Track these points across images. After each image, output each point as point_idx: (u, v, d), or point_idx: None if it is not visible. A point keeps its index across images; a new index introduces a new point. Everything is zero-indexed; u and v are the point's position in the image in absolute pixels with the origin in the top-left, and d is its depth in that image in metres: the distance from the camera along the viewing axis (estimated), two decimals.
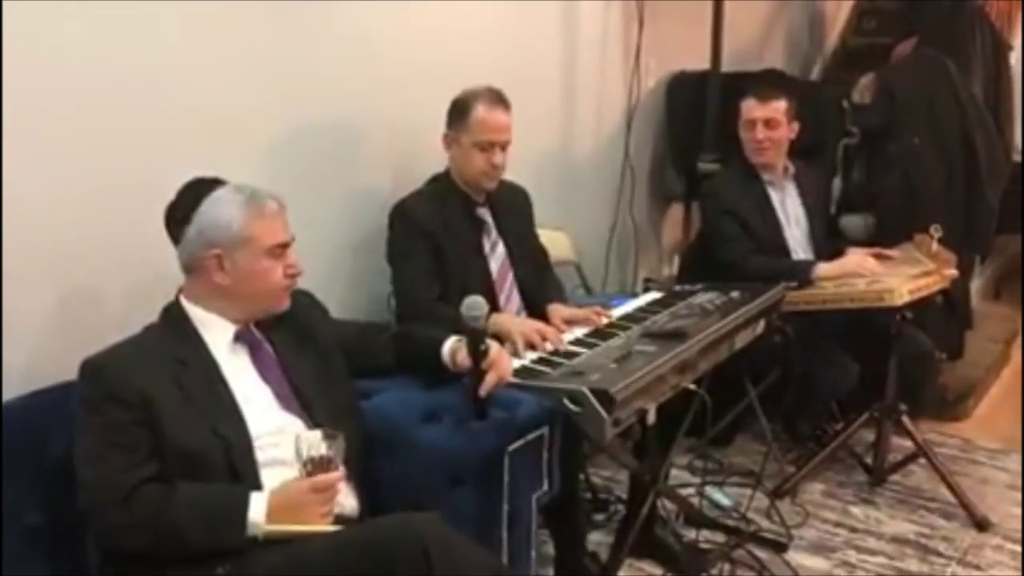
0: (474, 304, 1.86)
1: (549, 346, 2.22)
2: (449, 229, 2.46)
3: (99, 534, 1.67)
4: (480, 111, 2.43)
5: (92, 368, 1.67)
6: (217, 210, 1.74)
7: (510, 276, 2.57)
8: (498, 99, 2.46)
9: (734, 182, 3.12)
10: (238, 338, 1.79)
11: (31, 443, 1.73)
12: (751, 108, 3.02)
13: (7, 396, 1.77)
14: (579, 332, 2.37)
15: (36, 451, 1.73)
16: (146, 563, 1.60)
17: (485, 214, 2.56)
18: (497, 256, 2.56)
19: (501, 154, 2.46)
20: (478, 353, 1.84)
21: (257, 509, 1.59)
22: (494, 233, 2.57)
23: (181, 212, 1.78)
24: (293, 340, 1.87)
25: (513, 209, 2.64)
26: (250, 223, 1.74)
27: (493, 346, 1.89)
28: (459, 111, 2.46)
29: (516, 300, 2.57)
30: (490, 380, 1.84)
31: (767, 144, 3.02)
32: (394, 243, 2.47)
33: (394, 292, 2.47)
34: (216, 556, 1.59)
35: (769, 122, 3.00)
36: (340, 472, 1.66)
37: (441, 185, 2.53)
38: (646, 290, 3.15)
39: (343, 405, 1.87)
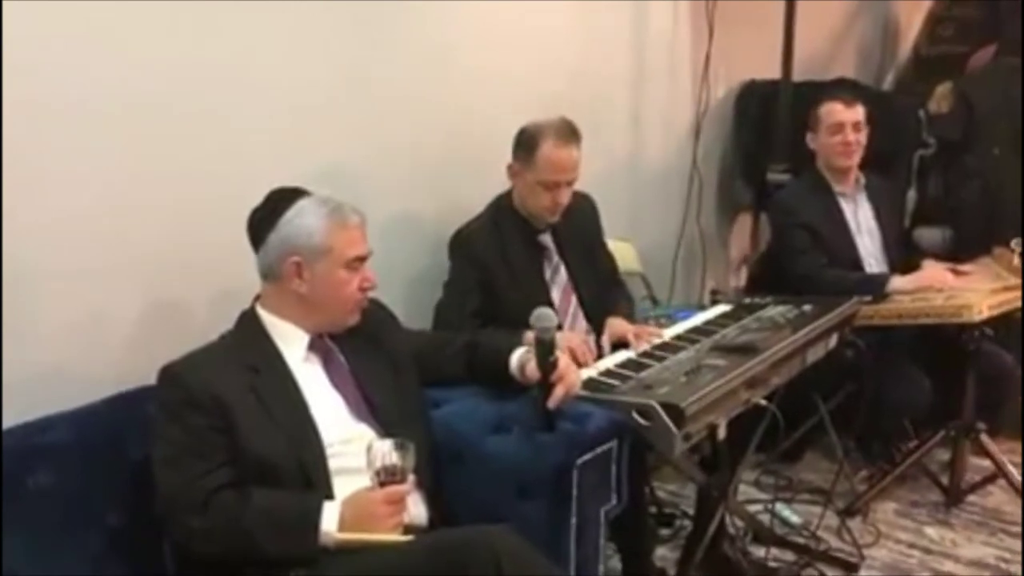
0: (543, 316, 1.85)
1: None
2: (507, 258, 2.42)
3: (176, 539, 1.71)
4: (547, 149, 2.34)
5: (170, 374, 1.72)
6: (301, 219, 1.77)
7: (573, 301, 2.52)
8: (567, 134, 2.36)
9: (804, 194, 3.08)
10: (311, 347, 1.82)
11: (111, 445, 1.77)
12: (838, 112, 2.98)
13: (97, 397, 1.82)
14: (645, 346, 2.33)
15: (115, 454, 1.77)
16: (221, 567, 1.63)
17: (547, 240, 2.51)
18: (559, 282, 2.51)
19: (567, 191, 2.40)
20: (547, 365, 1.83)
21: (330, 518, 1.61)
22: (556, 258, 2.52)
23: (264, 219, 1.81)
24: (365, 349, 1.89)
25: (578, 226, 2.57)
26: (332, 234, 1.77)
27: (562, 358, 1.88)
28: (526, 145, 2.38)
29: (582, 325, 2.52)
30: (558, 392, 1.83)
31: (856, 147, 2.97)
32: (450, 271, 2.45)
33: (435, 313, 2.44)
34: (288, 562, 1.60)
35: (856, 125, 2.97)
36: (411, 482, 1.68)
37: (502, 209, 2.49)
38: (714, 302, 3.10)
39: (413, 414, 1.89)
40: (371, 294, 1.91)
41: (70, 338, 1.87)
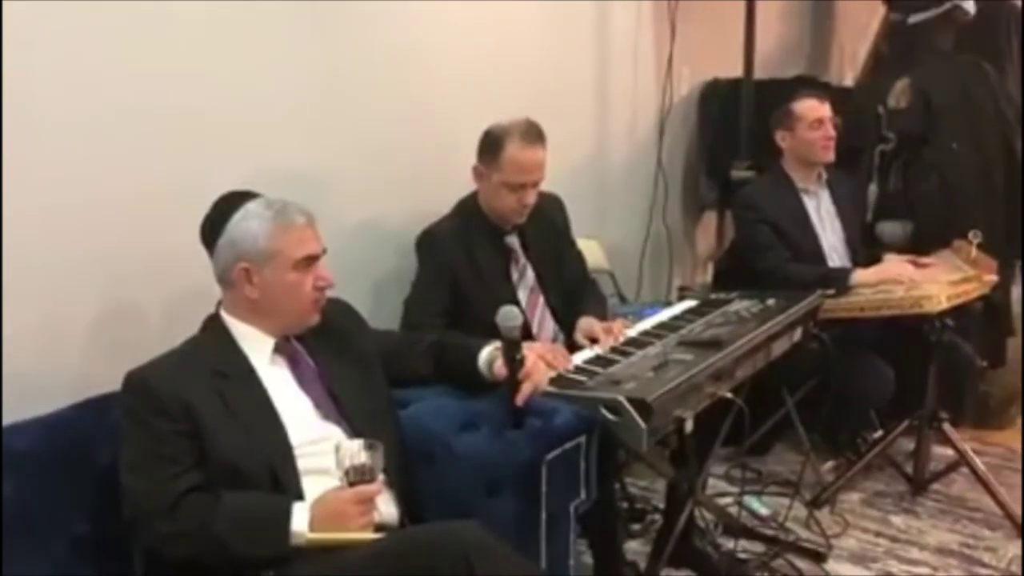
0: (508, 314, 1.86)
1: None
2: (474, 259, 2.42)
3: (145, 543, 1.70)
4: (512, 150, 2.34)
5: (136, 380, 1.70)
6: (245, 224, 1.76)
7: (540, 302, 2.52)
8: (532, 135, 2.36)
9: (768, 190, 3.11)
10: (277, 349, 1.82)
11: (77, 453, 1.76)
12: (816, 108, 3.02)
13: (55, 407, 1.80)
14: (612, 342, 2.34)
15: (82, 460, 1.76)
16: (191, 571, 1.62)
17: (513, 242, 2.50)
18: (526, 283, 2.51)
19: (532, 192, 2.39)
20: (514, 362, 1.85)
21: (300, 519, 1.61)
22: (522, 260, 2.51)
23: (214, 225, 1.80)
24: (331, 349, 1.89)
25: (545, 227, 2.57)
26: (276, 237, 1.75)
27: (528, 356, 1.89)
28: (491, 147, 2.38)
29: (549, 326, 2.52)
30: (526, 389, 1.85)
31: (833, 142, 3.02)
32: (417, 270, 2.45)
33: (403, 311, 2.43)
34: (259, 564, 1.60)
35: (832, 119, 3.02)
36: (380, 481, 1.68)
37: (468, 211, 2.48)
38: (681, 298, 3.13)
39: (381, 413, 1.89)
40: (339, 294, 1.91)
41: (28, 343, 1.86)
